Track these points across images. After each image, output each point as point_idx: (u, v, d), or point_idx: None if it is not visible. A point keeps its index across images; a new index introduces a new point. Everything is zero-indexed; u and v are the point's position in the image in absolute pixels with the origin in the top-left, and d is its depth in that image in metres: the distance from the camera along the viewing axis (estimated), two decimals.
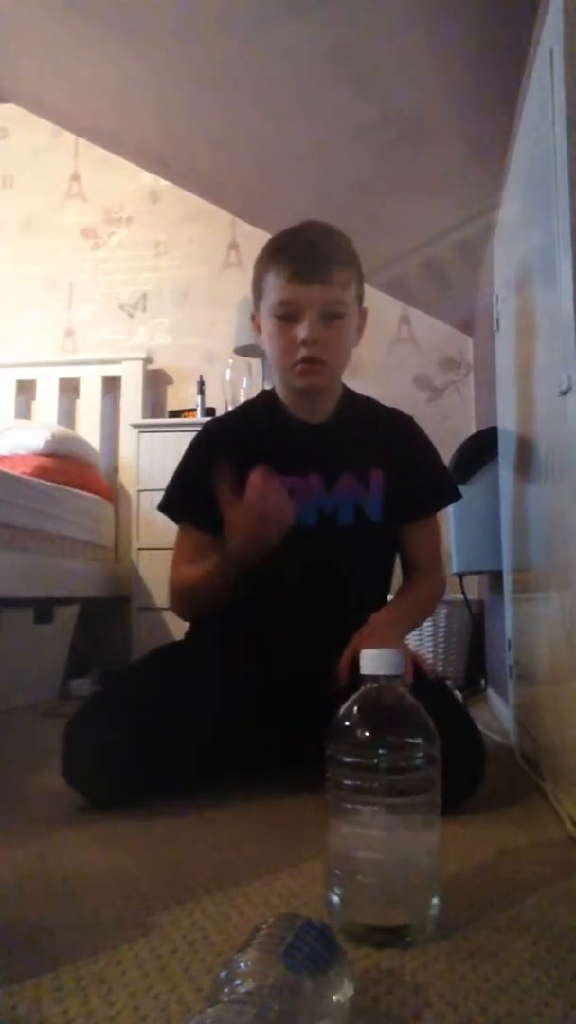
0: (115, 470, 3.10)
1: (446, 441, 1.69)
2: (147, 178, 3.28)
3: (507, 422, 1.67)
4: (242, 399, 2.78)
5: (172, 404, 3.16)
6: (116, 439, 3.12)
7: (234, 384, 2.85)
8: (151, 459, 2.76)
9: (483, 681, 2.39)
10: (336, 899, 0.66)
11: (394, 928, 0.64)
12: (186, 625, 1.35)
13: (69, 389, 3.17)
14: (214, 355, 3.09)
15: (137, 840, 0.95)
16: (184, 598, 1.28)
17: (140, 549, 2.73)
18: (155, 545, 2.67)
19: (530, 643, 1.33)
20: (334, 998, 0.47)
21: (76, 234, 3.31)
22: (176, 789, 1.14)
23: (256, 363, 2.97)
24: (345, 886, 0.65)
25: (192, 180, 3.17)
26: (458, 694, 2.13)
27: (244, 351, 2.91)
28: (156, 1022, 0.53)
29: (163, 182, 3.26)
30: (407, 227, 2.36)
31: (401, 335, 3.05)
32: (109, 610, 2.80)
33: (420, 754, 0.66)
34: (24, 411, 3.19)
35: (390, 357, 3.03)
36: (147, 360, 3.14)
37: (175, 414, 2.99)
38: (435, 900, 0.65)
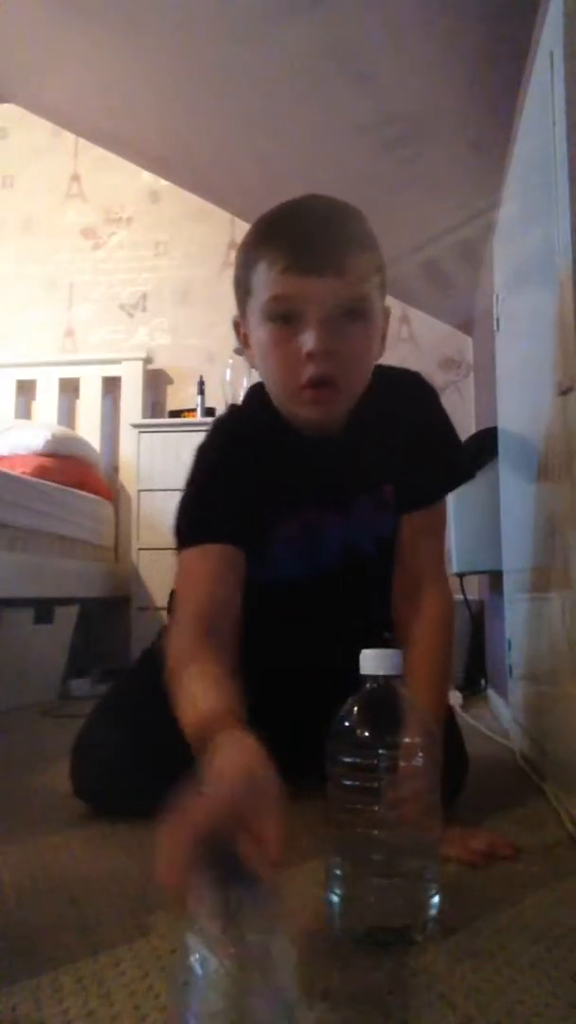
0: (115, 470, 3.10)
1: None
2: (147, 178, 3.28)
3: (507, 422, 1.67)
4: (242, 399, 2.78)
5: (172, 404, 3.16)
6: (116, 439, 3.12)
7: (234, 384, 2.85)
8: (151, 459, 2.76)
9: (483, 681, 2.39)
10: (336, 899, 0.66)
11: (394, 928, 0.63)
12: None
13: (69, 389, 3.17)
14: (214, 355, 3.09)
15: (137, 840, 0.95)
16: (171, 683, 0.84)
17: (140, 549, 2.73)
18: (155, 545, 2.67)
19: (530, 643, 1.33)
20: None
21: (76, 234, 3.31)
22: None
23: None
24: (345, 886, 0.65)
25: (192, 180, 3.17)
26: (458, 695, 2.14)
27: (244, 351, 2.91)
28: (156, 1022, 0.53)
29: (163, 182, 3.26)
30: (407, 227, 2.36)
31: (401, 335, 3.06)
32: (109, 610, 2.80)
33: (420, 754, 0.66)
34: (24, 411, 3.19)
35: (390, 357, 2.99)
36: (147, 360, 3.14)
37: (175, 414, 2.99)
38: (435, 900, 0.65)
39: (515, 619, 1.58)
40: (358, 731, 0.66)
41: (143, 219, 3.27)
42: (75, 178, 3.33)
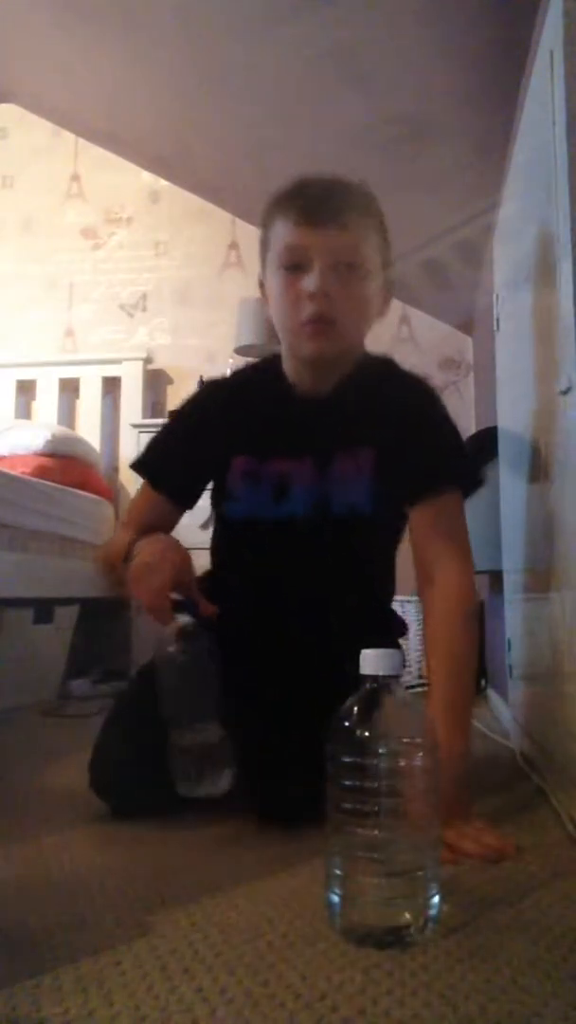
0: (115, 470, 3.10)
1: None
2: (147, 178, 3.28)
3: (507, 422, 1.67)
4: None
5: (172, 404, 3.15)
6: (116, 439, 3.12)
7: None
8: None
9: (483, 681, 2.39)
10: (336, 899, 0.66)
11: (394, 928, 0.63)
12: None
13: (69, 389, 3.17)
14: (214, 355, 3.09)
15: (137, 840, 0.95)
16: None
17: None
18: None
19: (530, 643, 1.33)
20: None
21: (76, 234, 3.31)
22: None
23: None
24: (345, 886, 0.65)
25: (192, 180, 3.17)
26: None
27: (244, 351, 2.91)
28: (156, 1022, 0.53)
29: (163, 182, 3.26)
30: (407, 227, 2.35)
31: (401, 335, 3.05)
32: (109, 610, 2.80)
33: (420, 754, 0.66)
34: (24, 411, 3.19)
35: None
36: (147, 360, 3.14)
37: None
38: (435, 900, 0.65)
39: (515, 619, 1.58)
40: (358, 731, 0.66)
41: (143, 219, 3.27)
42: (75, 178, 3.33)
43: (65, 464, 2.65)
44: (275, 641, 1.09)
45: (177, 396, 3.15)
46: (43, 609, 2.32)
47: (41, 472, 2.48)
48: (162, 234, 3.25)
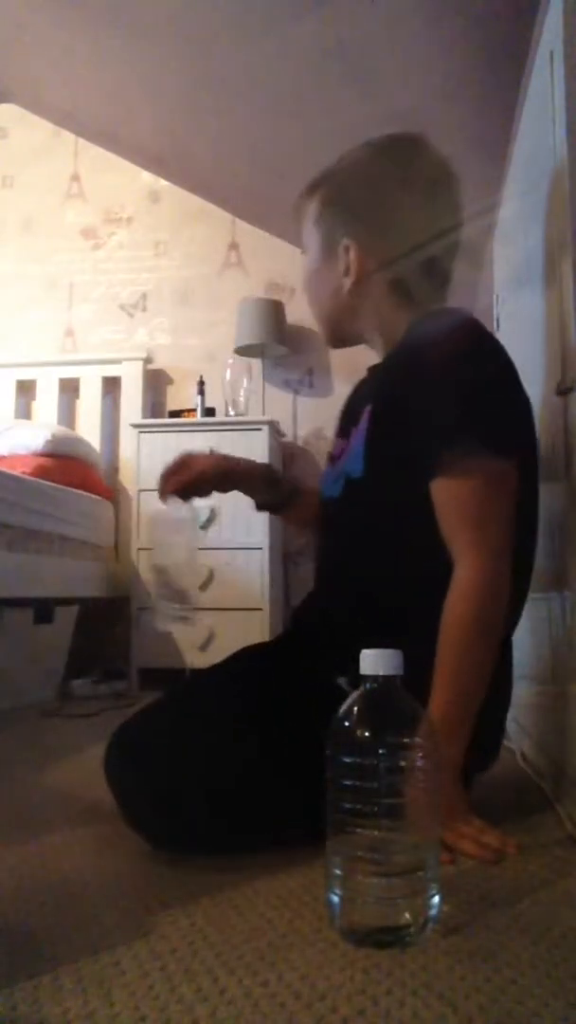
0: (115, 470, 3.10)
1: None
2: (147, 178, 3.27)
3: None
4: (242, 399, 2.78)
5: (172, 404, 3.15)
6: (116, 439, 3.11)
7: (234, 384, 2.85)
8: (151, 459, 2.75)
9: None
10: (336, 899, 0.66)
11: (394, 928, 0.63)
12: None
13: (69, 389, 3.17)
14: (214, 355, 3.09)
15: (137, 841, 0.95)
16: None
17: (140, 549, 2.72)
18: None
19: (530, 643, 1.33)
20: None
21: (76, 234, 3.30)
22: None
23: (256, 363, 2.96)
24: (345, 886, 0.65)
25: (192, 180, 3.17)
26: None
27: (244, 351, 2.91)
28: (156, 1022, 0.53)
29: (163, 182, 3.26)
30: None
31: None
32: (109, 610, 2.80)
33: (420, 754, 0.66)
34: (24, 411, 3.19)
35: None
36: (147, 360, 3.14)
37: (175, 414, 2.99)
38: (435, 900, 0.65)
39: None
40: (358, 731, 0.66)
41: (143, 219, 3.27)
42: (75, 178, 3.33)
43: (65, 464, 2.64)
44: (313, 627, 1.10)
45: (177, 396, 3.16)
46: (43, 609, 2.32)
47: (41, 472, 2.48)
48: (162, 234, 3.25)
